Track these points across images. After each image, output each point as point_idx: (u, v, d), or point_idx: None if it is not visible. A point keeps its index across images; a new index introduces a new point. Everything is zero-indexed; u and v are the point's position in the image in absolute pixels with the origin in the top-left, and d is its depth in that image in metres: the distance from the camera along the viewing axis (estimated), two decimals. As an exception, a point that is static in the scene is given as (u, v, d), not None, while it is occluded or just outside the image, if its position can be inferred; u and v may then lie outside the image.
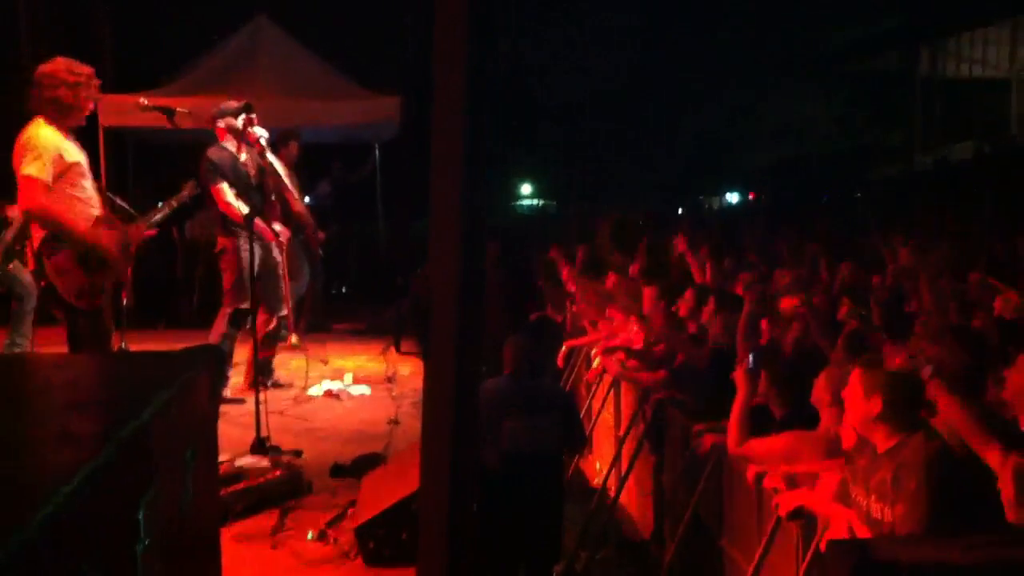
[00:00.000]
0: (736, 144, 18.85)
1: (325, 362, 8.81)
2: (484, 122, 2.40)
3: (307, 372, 7.95)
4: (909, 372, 3.52)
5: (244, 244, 7.05)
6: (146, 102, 6.87)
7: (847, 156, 17.76)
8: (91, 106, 5.46)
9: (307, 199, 10.49)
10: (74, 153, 5.38)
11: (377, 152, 12.79)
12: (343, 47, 13.02)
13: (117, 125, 10.49)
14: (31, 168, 5.19)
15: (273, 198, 7.60)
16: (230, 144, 7.35)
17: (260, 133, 7.32)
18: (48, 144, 5.24)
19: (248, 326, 6.83)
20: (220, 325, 7.25)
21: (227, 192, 7.20)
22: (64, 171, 5.29)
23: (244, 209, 7.04)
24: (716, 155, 19.39)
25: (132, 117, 8.82)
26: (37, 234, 5.32)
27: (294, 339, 7.89)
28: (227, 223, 7.23)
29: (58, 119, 5.30)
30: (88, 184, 5.47)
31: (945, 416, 3.59)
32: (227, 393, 7.16)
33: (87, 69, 5.39)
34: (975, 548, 2.97)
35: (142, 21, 12.64)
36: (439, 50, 2.35)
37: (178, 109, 7.08)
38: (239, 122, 7.28)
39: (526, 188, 22.88)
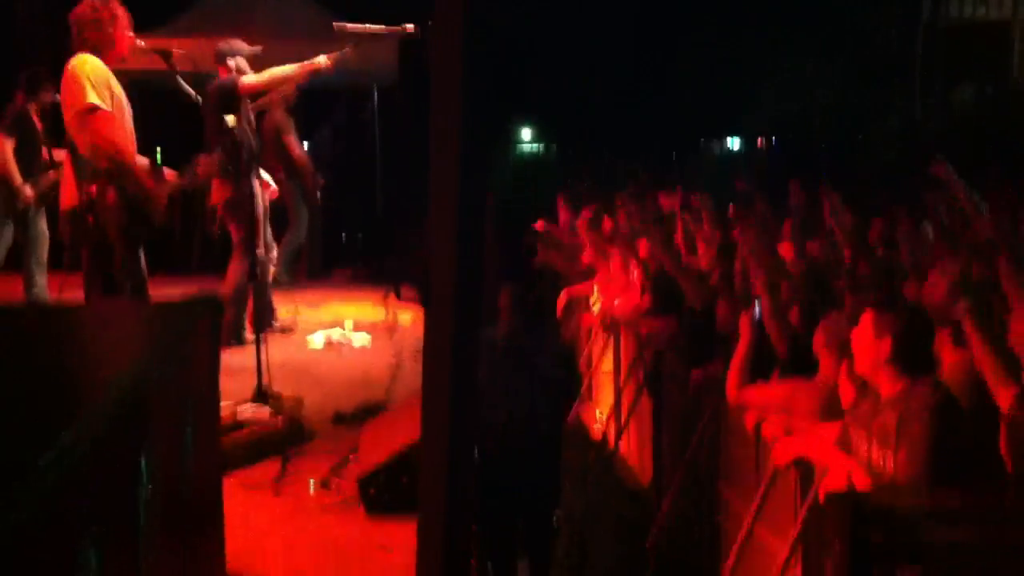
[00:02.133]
0: (737, 96, 18.68)
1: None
2: (484, 72, 2.37)
3: (296, 315, 8.02)
4: (921, 316, 3.51)
5: (248, 190, 6.90)
6: (143, 44, 6.79)
7: (850, 106, 17.61)
8: (126, 44, 5.39)
9: (306, 144, 10.44)
10: (117, 86, 5.32)
11: (376, 96, 12.69)
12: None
13: (113, 68, 10.38)
14: (94, 97, 5.07)
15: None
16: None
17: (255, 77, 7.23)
18: (99, 73, 5.17)
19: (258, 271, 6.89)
20: (236, 274, 7.13)
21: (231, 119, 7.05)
22: (115, 102, 5.22)
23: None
24: (717, 101, 19.22)
25: (128, 60, 8.72)
26: (88, 170, 5.15)
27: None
28: (228, 169, 7.04)
29: (98, 55, 5.25)
30: (129, 124, 5.39)
31: (962, 362, 3.58)
32: (277, 325, 7.62)
33: (112, 5, 5.33)
34: (973, 497, 2.99)
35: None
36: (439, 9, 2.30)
37: (175, 51, 6.99)
38: (247, 67, 7.19)
39: (526, 132, 22.72)
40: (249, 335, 7.02)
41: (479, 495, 4.57)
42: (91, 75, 5.13)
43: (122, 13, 5.36)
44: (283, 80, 7.04)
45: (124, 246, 5.28)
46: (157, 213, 5.42)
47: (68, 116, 5.22)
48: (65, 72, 5.22)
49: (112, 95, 5.21)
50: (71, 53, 5.30)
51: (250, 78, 6.97)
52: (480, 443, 4.55)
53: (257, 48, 7.38)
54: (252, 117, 7.27)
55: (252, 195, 6.97)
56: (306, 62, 6.88)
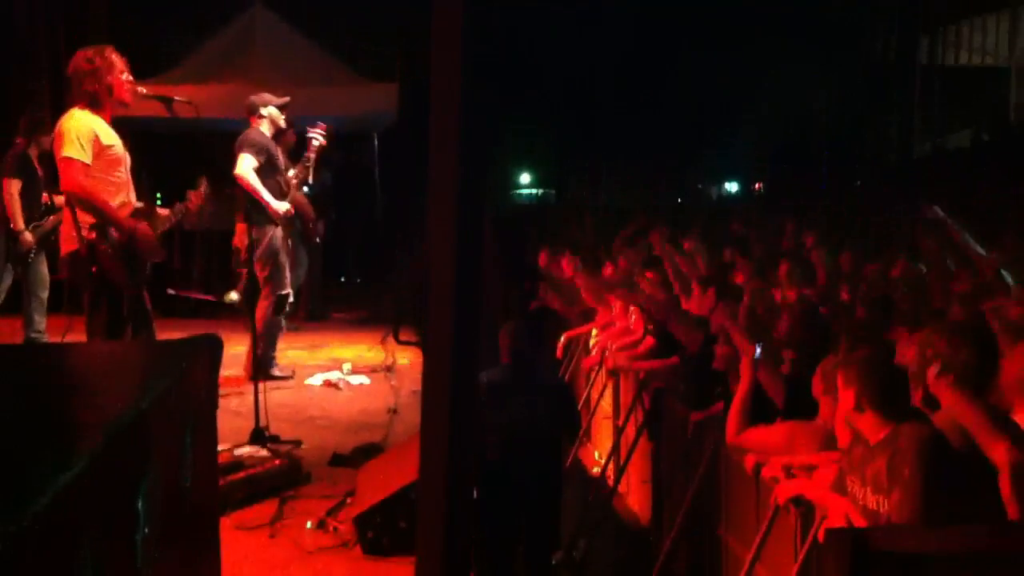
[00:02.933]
0: (732, 131, 18.83)
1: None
2: (483, 98, 2.39)
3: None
4: (882, 360, 3.53)
5: (271, 231, 7.39)
6: (144, 91, 6.85)
7: (845, 143, 17.73)
8: (125, 89, 5.48)
9: (305, 188, 10.49)
10: (110, 137, 5.42)
11: (376, 142, 12.78)
12: (340, 35, 12.99)
13: (115, 114, 10.43)
14: (69, 150, 5.23)
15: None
16: (266, 129, 7.52)
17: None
18: (83, 126, 5.30)
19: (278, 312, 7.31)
20: (264, 314, 7.37)
21: (246, 162, 7.48)
22: (100, 153, 5.32)
23: (259, 186, 7.29)
24: (713, 141, 19.38)
25: (134, 107, 8.79)
26: (85, 220, 5.27)
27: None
28: (252, 213, 7.33)
29: (94, 107, 5.34)
30: (123, 171, 5.48)
31: (949, 412, 3.59)
32: (275, 372, 7.72)
33: (105, 51, 5.41)
34: (973, 538, 2.97)
35: (138, 9, 12.58)
36: (436, 28, 2.33)
37: (176, 98, 7.07)
38: (282, 120, 7.59)
39: (525, 177, 22.85)
40: (247, 381, 7.08)
41: (477, 535, 4.56)
42: (73, 129, 5.28)
43: (117, 59, 5.44)
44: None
45: (125, 290, 5.32)
46: (151, 254, 5.47)
47: (56, 162, 5.37)
48: (56, 126, 5.39)
49: (99, 146, 5.28)
50: (70, 106, 5.42)
51: (244, 171, 7.45)
52: (479, 480, 4.55)
53: (286, 99, 7.74)
54: (282, 164, 7.54)
55: (273, 237, 7.45)
56: (271, 202, 7.50)
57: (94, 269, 5.24)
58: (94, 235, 5.24)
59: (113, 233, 5.28)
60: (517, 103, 17.48)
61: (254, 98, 7.80)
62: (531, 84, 17.86)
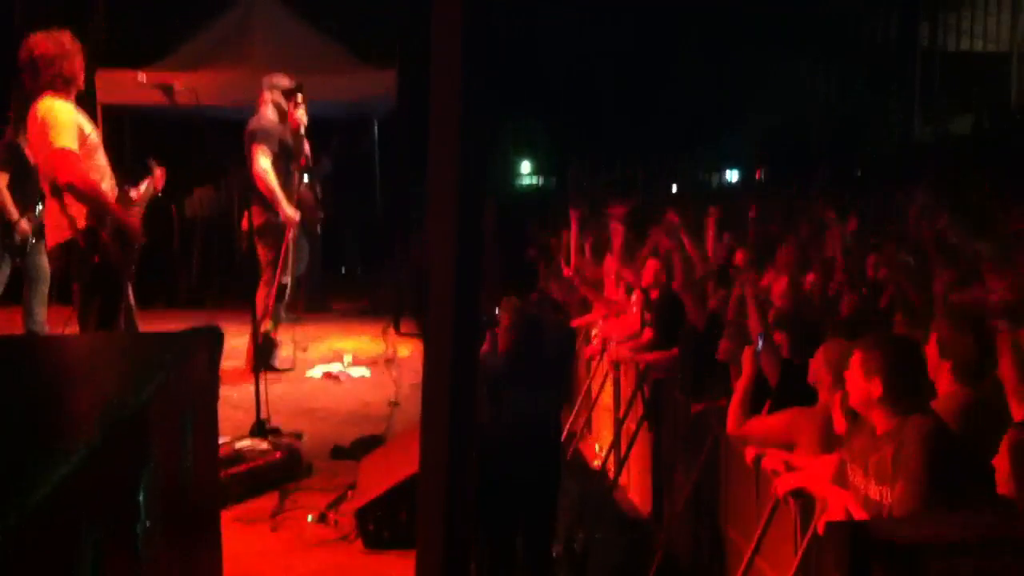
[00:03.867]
0: (733, 119, 18.78)
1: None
2: (483, 84, 2.38)
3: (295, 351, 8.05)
4: (910, 351, 3.48)
5: (278, 218, 7.38)
6: (144, 79, 6.82)
7: (846, 130, 17.70)
8: (82, 74, 5.39)
9: (306, 177, 10.47)
10: (87, 123, 5.31)
11: (376, 128, 12.74)
12: (339, 20, 12.93)
13: (115, 102, 10.41)
14: (64, 140, 5.06)
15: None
16: (272, 115, 7.47)
17: (302, 118, 7.47)
18: (67, 116, 5.14)
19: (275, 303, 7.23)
20: (265, 301, 7.35)
21: (264, 160, 7.41)
22: (83, 141, 5.19)
23: (274, 183, 7.29)
24: (713, 129, 19.34)
25: (130, 94, 8.77)
26: (78, 210, 5.15)
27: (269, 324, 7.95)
28: (264, 198, 7.40)
29: (65, 92, 5.22)
30: (102, 157, 5.39)
31: (946, 399, 3.59)
32: (275, 364, 7.71)
33: (67, 36, 5.30)
34: (973, 526, 2.97)
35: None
36: (437, 16, 2.32)
37: (176, 85, 7.04)
38: (284, 101, 7.49)
39: (525, 166, 22.82)
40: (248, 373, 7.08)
41: (477, 525, 4.56)
42: (60, 118, 5.10)
43: (76, 41, 5.33)
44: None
45: (124, 278, 5.30)
46: (136, 239, 5.43)
47: (40, 159, 5.23)
48: (32, 117, 5.16)
49: (82, 134, 5.19)
50: (34, 93, 5.21)
51: (262, 170, 7.44)
52: (479, 470, 4.54)
53: (298, 83, 7.71)
54: (295, 151, 7.59)
55: (282, 223, 7.44)
56: (286, 208, 7.51)
57: (96, 259, 5.16)
58: (94, 223, 5.16)
59: (108, 219, 5.22)
60: (518, 92, 17.45)
61: (265, 79, 7.74)
62: (532, 73, 17.83)
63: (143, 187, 5.63)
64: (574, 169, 19.13)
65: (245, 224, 7.53)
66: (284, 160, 7.55)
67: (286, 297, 7.94)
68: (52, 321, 7.75)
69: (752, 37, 18.33)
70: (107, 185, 5.34)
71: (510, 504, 4.68)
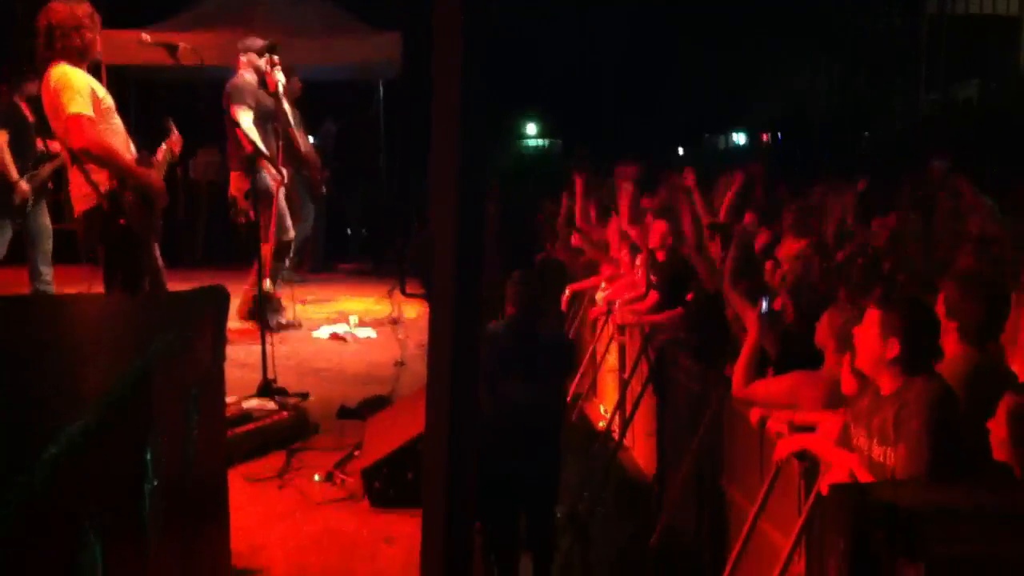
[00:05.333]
0: (740, 91, 18.71)
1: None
2: (484, 60, 2.37)
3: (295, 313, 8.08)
4: (929, 314, 3.47)
5: (267, 178, 7.28)
6: (148, 38, 6.77)
7: (854, 98, 17.61)
8: (98, 44, 5.38)
9: (311, 138, 10.45)
10: (100, 88, 5.30)
11: (381, 91, 12.69)
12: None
13: (118, 63, 10.36)
14: (76, 106, 5.04)
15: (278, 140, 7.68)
16: (251, 77, 7.42)
17: (279, 78, 7.38)
18: (82, 82, 5.13)
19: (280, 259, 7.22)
20: (267, 261, 7.26)
21: (245, 118, 7.29)
22: (97, 105, 5.17)
23: (258, 141, 7.15)
24: (721, 96, 19.25)
25: (133, 54, 8.72)
26: (100, 175, 5.14)
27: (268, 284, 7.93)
28: (247, 160, 7.23)
29: (77, 62, 5.22)
30: (118, 121, 5.40)
31: (952, 362, 3.59)
32: (282, 320, 7.81)
33: (85, 7, 5.30)
34: (976, 494, 2.98)
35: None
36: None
37: (180, 45, 7.01)
38: (261, 62, 7.37)
39: (531, 127, 22.73)
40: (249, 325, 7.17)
41: (481, 488, 4.58)
42: (73, 84, 5.09)
43: (95, 14, 5.32)
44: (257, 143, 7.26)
45: (147, 240, 5.31)
46: (161, 199, 5.44)
47: (56, 126, 5.21)
48: (46, 84, 5.16)
49: (96, 99, 5.19)
50: (46, 60, 5.19)
51: (243, 122, 7.29)
52: (483, 435, 4.56)
53: (270, 42, 7.56)
54: (277, 112, 7.51)
55: (268, 184, 7.34)
56: (271, 168, 7.41)
57: (122, 221, 5.15)
58: (116, 186, 5.16)
59: (130, 181, 5.23)
60: (523, 59, 17.38)
61: (239, 42, 7.69)
62: (535, 43, 17.74)
63: (163, 149, 5.62)
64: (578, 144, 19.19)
65: (232, 190, 7.52)
66: (263, 120, 7.48)
67: (288, 256, 7.92)
68: (71, 280, 7.77)
69: (757, 15, 18.20)
70: (123, 147, 5.34)
71: (510, 494, 4.70)
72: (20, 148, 7.71)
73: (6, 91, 7.80)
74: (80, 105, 5.06)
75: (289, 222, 7.70)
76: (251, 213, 7.17)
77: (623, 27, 19.22)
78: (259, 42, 7.55)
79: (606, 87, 19.63)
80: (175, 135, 5.67)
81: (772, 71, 17.92)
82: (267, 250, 7.36)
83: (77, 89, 5.10)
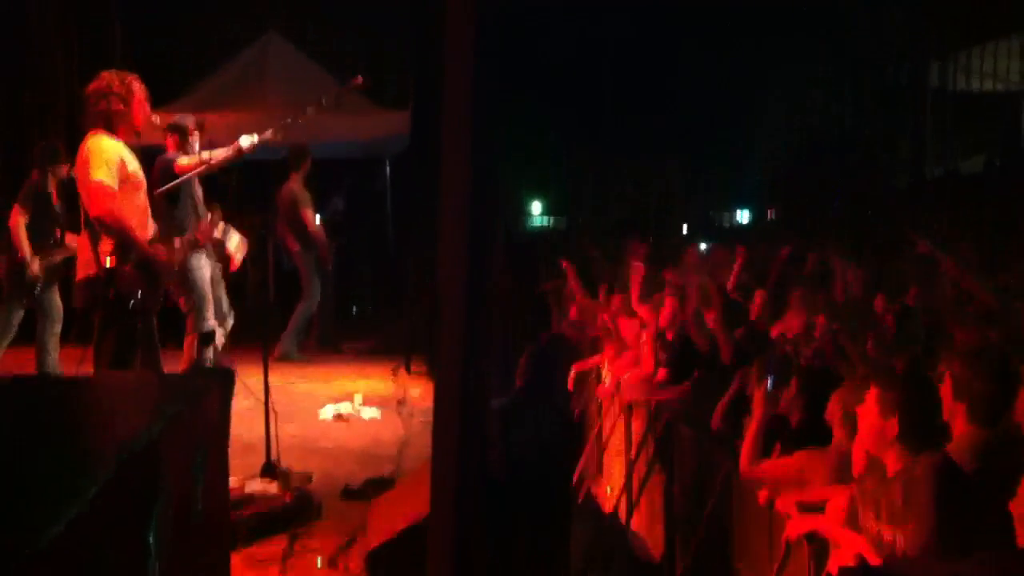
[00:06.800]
0: (742, 157, 18.90)
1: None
2: (493, 130, 2.40)
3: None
4: (928, 390, 3.45)
5: (197, 262, 6.70)
6: (157, 120, 6.87)
7: (857, 169, 17.75)
8: (143, 117, 5.47)
9: (319, 215, 10.52)
10: (133, 162, 5.42)
11: (388, 167, 12.82)
12: (353, 62, 13.09)
13: (128, 143, 10.47)
14: (100, 174, 5.20)
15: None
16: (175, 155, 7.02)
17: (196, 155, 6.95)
18: (111, 151, 5.28)
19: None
20: (191, 353, 6.78)
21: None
22: (125, 179, 5.32)
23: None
24: (723, 167, 19.44)
25: (146, 135, 8.82)
26: (104, 246, 5.23)
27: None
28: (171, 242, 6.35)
29: (112, 131, 5.33)
30: (143, 196, 5.49)
31: (962, 437, 3.56)
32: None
33: (128, 79, 5.42)
34: (984, 569, 2.93)
35: (153, 37, 12.71)
36: (450, 51, 2.34)
37: (189, 126, 7.10)
38: (192, 140, 7.09)
39: (536, 206, 22.90)
40: None
41: (486, 564, 4.51)
42: (101, 153, 5.25)
43: (139, 88, 5.45)
44: (220, 162, 6.53)
45: (141, 315, 5.32)
46: (165, 276, 5.48)
47: (81, 191, 5.35)
48: (80, 150, 5.33)
49: (124, 171, 5.30)
50: (85, 129, 5.40)
51: (184, 160, 6.81)
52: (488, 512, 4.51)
53: (199, 120, 7.37)
54: (199, 192, 7.00)
55: (194, 267, 6.68)
56: (234, 145, 6.50)
57: (111, 292, 5.21)
58: (115, 257, 5.22)
59: (133, 255, 5.27)
60: (526, 129, 17.57)
61: (170, 121, 7.31)
62: (541, 111, 17.93)
63: (186, 238, 5.70)
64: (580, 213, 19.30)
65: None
66: (188, 199, 6.84)
67: (212, 343, 6.90)
68: (65, 360, 7.78)
69: (760, 77, 18.43)
70: (142, 224, 5.43)
71: (518, 548, 4.64)
72: (40, 230, 7.83)
73: (37, 172, 7.96)
74: (103, 174, 5.19)
75: (210, 312, 6.92)
76: (179, 297, 6.75)
77: (623, 96, 19.40)
78: (189, 119, 7.38)
79: (610, 162, 19.81)
80: (204, 223, 5.73)
81: (777, 141, 18.12)
82: (188, 343, 6.83)
83: (105, 159, 5.23)
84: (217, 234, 6.04)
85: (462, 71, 2.37)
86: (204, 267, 6.83)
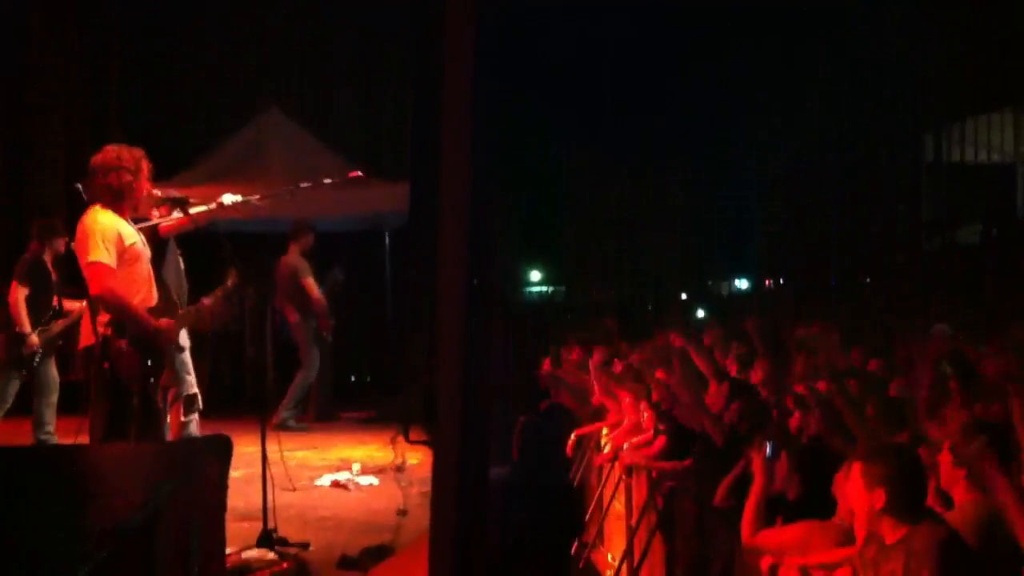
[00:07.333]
0: (740, 229, 19.04)
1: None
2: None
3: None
4: (911, 461, 3.46)
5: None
6: (159, 194, 6.93)
7: (854, 239, 17.86)
8: (145, 192, 5.52)
9: (320, 287, 10.56)
10: (132, 235, 5.45)
11: (387, 240, 12.88)
12: (354, 136, 13.23)
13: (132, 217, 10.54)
14: (97, 254, 5.24)
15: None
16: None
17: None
18: (107, 227, 5.32)
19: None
20: (177, 418, 6.51)
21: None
22: (123, 252, 5.35)
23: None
24: (722, 238, 19.56)
25: (141, 209, 8.88)
26: (101, 318, 5.25)
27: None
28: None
29: (113, 205, 5.38)
30: (144, 266, 5.51)
31: (962, 508, 3.54)
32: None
33: (136, 153, 5.48)
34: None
35: (153, 113, 12.85)
36: (448, 116, 2.38)
37: (188, 199, 7.13)
38: (175, 213, 7.04)
39: (535, 275, 22.97)
40: None
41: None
42: (99, 229, 5.29)
43: (145, 164, 5.51)
44: (203, 218, 6.39)
45: (137, 387, 5.31)
46: (165, 348, 5.49)
47: (81, 267, 5.38)
48: (80, 224, 5.38)
49: (122, 245, 5.33)
50: (87, 203, 5.44)
51: (167, 220, 6.55)
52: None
53: (183, 196, 7.31)
54: (179, 260, 6.84)
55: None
56: (216, 202, 6.51)
57: (106, 365, 5.22)
58: (110, 331, 5.24)
59: (132, 329, 5.28)
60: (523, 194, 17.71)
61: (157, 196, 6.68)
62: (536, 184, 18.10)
63: (198, 305, 5.78)
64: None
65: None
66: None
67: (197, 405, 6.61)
68: (61, 431, 7.75)
69: (757, 136, 18.67)
70: (142, 295, 5.45)
71: None
72: (38, 304, 7.90)
73: (36, 246, 8.04)
74: (100, 253, 5.23)
75: (191, 375, 6.56)
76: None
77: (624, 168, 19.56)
78: (174, 195, 7.33)
79: (605, 231, 19.91)
80: (206, 299, 5.75)
81: (773, 215, 18.25)
82: (173, 412, 6.49)
83: (102, 235, 5.27)
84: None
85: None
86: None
